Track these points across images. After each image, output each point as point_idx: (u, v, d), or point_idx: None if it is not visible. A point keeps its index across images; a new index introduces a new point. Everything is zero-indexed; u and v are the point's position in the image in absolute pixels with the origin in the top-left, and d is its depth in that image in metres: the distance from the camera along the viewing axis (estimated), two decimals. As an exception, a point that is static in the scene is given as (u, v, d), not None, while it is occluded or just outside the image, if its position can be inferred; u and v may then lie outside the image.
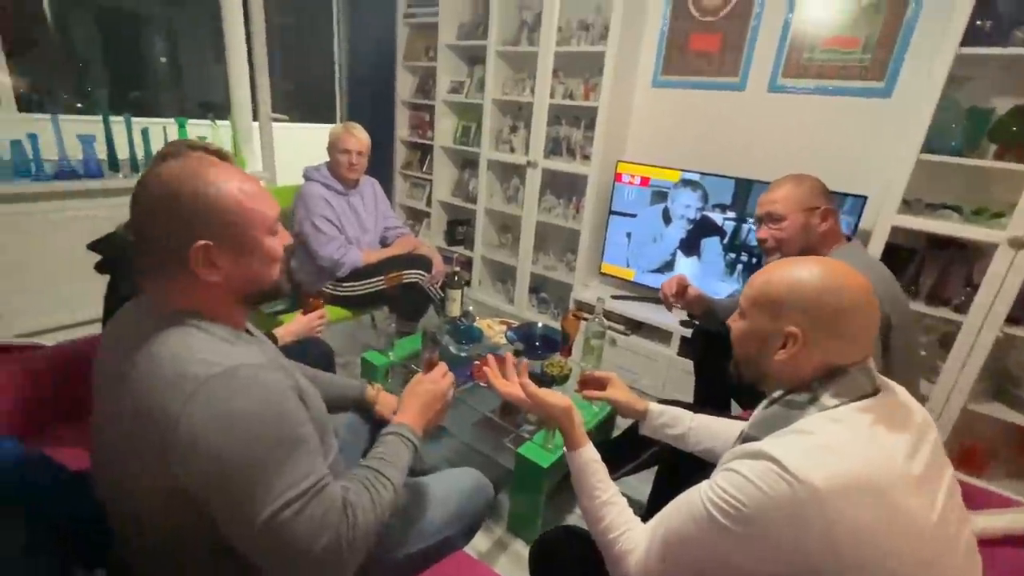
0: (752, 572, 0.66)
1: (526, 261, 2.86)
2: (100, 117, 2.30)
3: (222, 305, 0.73)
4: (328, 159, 2.11)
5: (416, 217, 3.54)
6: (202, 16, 2.72)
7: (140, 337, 0.66)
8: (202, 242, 0.67)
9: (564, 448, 0.93)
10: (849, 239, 1.30)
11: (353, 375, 1.82)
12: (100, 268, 1.17)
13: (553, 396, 0.97)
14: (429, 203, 3.30)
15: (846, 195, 1.88)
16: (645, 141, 2.57)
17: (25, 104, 2.44)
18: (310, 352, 1.42)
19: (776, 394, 0.77)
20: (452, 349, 1.76)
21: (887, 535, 0.59)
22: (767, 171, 1.98)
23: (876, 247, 1.78)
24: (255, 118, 2.91)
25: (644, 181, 2.40)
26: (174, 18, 3.42)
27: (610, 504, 0.82)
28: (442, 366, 0.97)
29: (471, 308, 1.95)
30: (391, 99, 3.29)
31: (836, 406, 0.68)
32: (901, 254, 1.83)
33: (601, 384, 1.16)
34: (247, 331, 0.82)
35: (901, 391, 0.75)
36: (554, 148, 2.68)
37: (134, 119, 2.39)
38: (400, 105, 3.31)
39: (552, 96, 2.55)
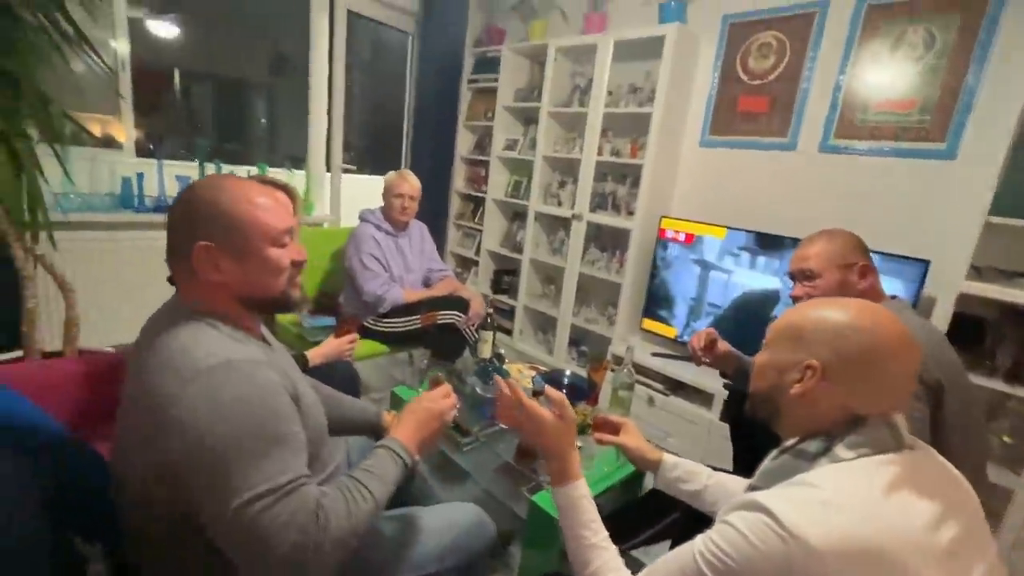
0: None
1: (567, 312, 2.85)
2: (196, 163, 2.63)
3: (231, 307, 0.79)
4: (383, 203, 2.27)
5: (465, 265, 3.66)
6: (299, 84, 3.18)
7: (161, 329, 0.73)
8: (203, 243, 0.74)
9: (551, 482, 0.85)
10: (893, 298, 1.20)
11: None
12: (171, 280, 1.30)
13: (550, 413, 0.88)
14: (478, 252, 3.41)
15: (906, 259, 1.76)
16: (691, 198, 2.56)
17: (141, 150, 2.85)
18: (337, 374, 1.47)
19: (788, 443, 0.71)
20: (478, 389, 1.76)
21: None
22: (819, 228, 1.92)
23: (942, 315, 1.64)
24: (328, 169, 3.21)
25: (688, 238, 2.37)
26: (277, 85, 3.95)
27: (599, 548, 0.76)
28: (445, 388, 0.96)
29: (502, 351, 1.95)
30: (451, 155, 3.52)
31: (852, 459, 0.62)
32: (972, 325, 1.66)
33: (615, 429, 1.11)
34: (264, 339, 0.87)
35: (935, 454, 0.67)
36: (600, 203, 2.73)
37: (226, 165, 2.72)
38: (459, 160, 3.53)
39: (600, 154, 2.63)
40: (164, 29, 3.27)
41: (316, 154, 3.18)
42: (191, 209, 0.76)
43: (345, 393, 1.24)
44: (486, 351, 1.93)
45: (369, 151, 4.26)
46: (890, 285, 1.79)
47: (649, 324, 2.54)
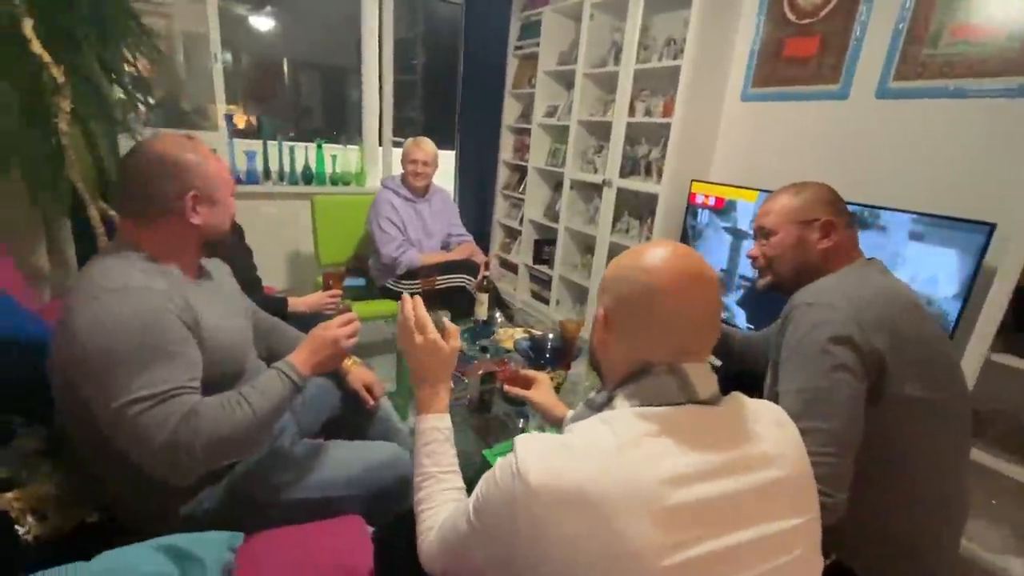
0: (486, 573, 0.58)
1: (597, 282, 2.76)
2: (261, 141, 2.96)
3: (180, 245, 0.93)
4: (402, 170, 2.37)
5: (511, 235, 3.68)
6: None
7: (96, 258, 0.87)
8: (193, 192, 0.90)
9: (418, 408, 0.84)
10: (870, 260, 1.01)
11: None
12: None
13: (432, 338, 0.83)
14: (522, 222, 3.42)
15: (966, 222, 1.45)
16: (733, 159, 2.32)
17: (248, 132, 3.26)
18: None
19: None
20: (465, 348, 1.81)
21: (598, 558, 0.48)
22: (873, 191, 1.66)
23: (1002, 291, 1.34)
24: (380, 143, 3.40)
25: (719, 202, 2.16)
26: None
27: (431, 478, 0.76)
28: (346, 316, 1.01)
29: (498, 315, 1.97)
30: (498, 124, 3.53)
31: (625, 409, 0.57)
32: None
33: (527, 383, 1.10)
34: (200, 273, 1.01)
35: (746, 413, 0.59)
36: (632, 168, 2.58)
37: (292, 143, 3.04)
38: (505, 130, 3.53)
39: (632, 114, 2.48)
40: (265, 23, 3.68)
41: (370, 129, 3.38)
42: (173, 166, 0.89)
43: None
44: (482, 312, 1.96)
45: (427, 124, 4.44)
46: (942, 256, 1.50)
47: (678, 297, 2.38)
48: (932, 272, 1.54)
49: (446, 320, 0.91)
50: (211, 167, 0.93)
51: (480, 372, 1.37)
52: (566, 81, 3.08)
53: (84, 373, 0.78)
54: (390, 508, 1.09)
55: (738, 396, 0.61)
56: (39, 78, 1.59)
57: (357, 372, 1.32)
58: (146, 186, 0.89)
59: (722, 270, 2.19)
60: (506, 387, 1.10)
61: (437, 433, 0.81)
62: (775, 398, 0.91)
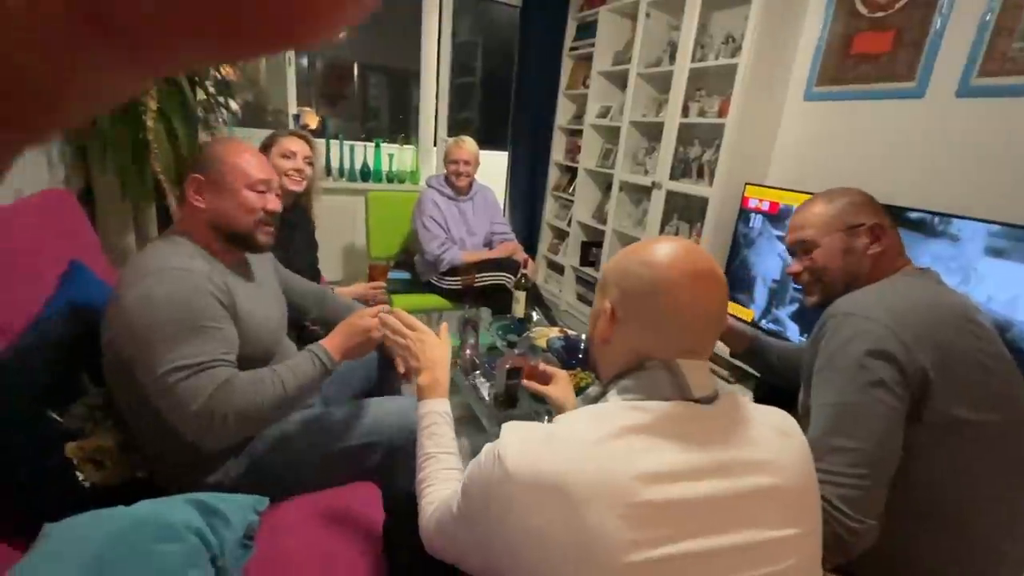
0: (470, 557, 0.60)
1: (643, 287, 2.70)
2: (324, 140, 3.14)
3: (205, 233, 1.01)
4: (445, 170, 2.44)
5: (560, 236, 3.67)
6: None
7: (149, 242, 0.97)
8: (197, 175, 0.97)
9: (419, 395, 0.88)
10: (924, 270, 0.93)
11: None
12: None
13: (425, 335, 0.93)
14: (570, 223, 3.40)
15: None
16: (791, 162, 2.19)
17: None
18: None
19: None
20: (498, 343, 1.83)
21: (568, 547, 0.48)
22: (946, 198, 1.55)
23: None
24: (435, 143, 3.51)
25: (773, 207, 2.05)
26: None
27: (432, 458, 0.78)
28: (374, 309, 1.05)
29: (535, 314, 1.98)
30: (551, 125, 3.53)
31: (616, 402, 0.57)
32: None
33: (547, 379, 1.10)
34: (242, 264, 1.08)
35: (749, 414, 0.57)
36: (684, 170, 2.50)
37: (353, 142, 3.21)
38: (557, 131, 3.52)
39: (686, 115, 2.40)
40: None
41: (425, 129, 3.49)
42: (202, 153, 1.00)
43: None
44: (519, 310, 1.98)
45: (483, 125, 4.52)
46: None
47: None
48: (1013, 292, 1.39)
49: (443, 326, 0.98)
50: (232, 160, 0.98)
51: (507, 366, 1.39)
52: (620, 81, 3.03)
53: (131, 345, 0.87)
54: (407, 462, 1.12)
55: (736, 398, 0.59)
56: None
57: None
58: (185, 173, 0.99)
59: (774, 280, 2.07)
60: (526, 383, 1.11)
61: (437, 416, 0.84)
62: (808, 412, 0.86)
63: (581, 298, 3.38)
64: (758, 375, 1.39)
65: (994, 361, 0.80)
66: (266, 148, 1.61)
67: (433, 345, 0.92)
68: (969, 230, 1.46)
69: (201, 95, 2.31)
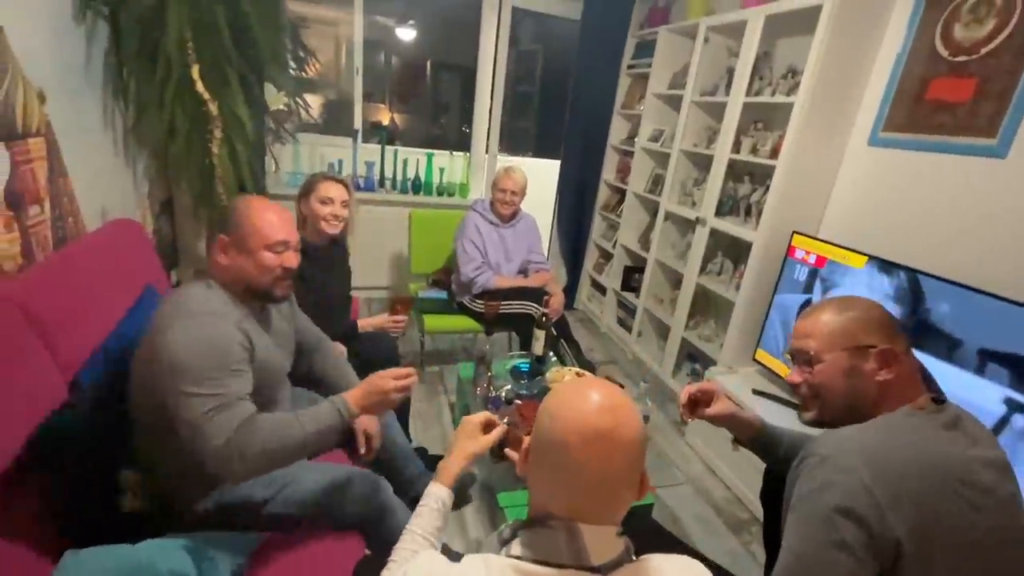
0: None
1: (679, 324, 2.61)
2: (379, 147, 3.27)
3: (232, 284, 1.10)
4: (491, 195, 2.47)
5: (605, 256, 3.61)
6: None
7: (183, 283, 1.08)
8: (223, 236, 1.08)
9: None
10: (940, 402, 0.83)
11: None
12: None
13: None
14: (615, 245, 3.33)
15: None
16: (849, 214, 2.01)
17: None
18: (382, 343, 1.79)
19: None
20: (504, 391, 1.83)
21: None
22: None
23: None
24: (487, 150, 3.55)
25: (820, 261, 1.90)
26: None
27: (410, 533, 0.82)
28: (402, 371, 1.08)
29: (552, 356, 1.98)
30: (603, 143, 3.46)
31: (517, 557, 0.58)
32: None
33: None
34: (260, 310, 1.17)
35: None
36: (732, 207, 2.37)
37: (408, 149, 3.33)
38: (610, 149, 3.44)
39: (737, 150, 2.27)
40: (408, 33, 4.06)
41: (478, 142, 3.54)
42: (230, 212, 1.10)
43: (385, 361, 1.52)
44: (538, 348, 1.99)
45: (539, 134, 4.50)
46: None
47: (763, 356, 2.16)
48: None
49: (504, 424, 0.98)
50: (253, 222, 1.07)
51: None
52: (676, 104, 2.90)
53: (166, 381, 0.94)
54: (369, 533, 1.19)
55: (639, 566, 0.58)
56: (200, 111, 1.95)
57: (364, 419, 1.30)
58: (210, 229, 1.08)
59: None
60: (507, 451, 1.12)
61: (432, 500, 0.87)
62: None
63: (621, 322, 3.32)
64: (766, 464, 1.32)
65: (989, 536, 0.72)
66: (307, 192, 1.71)
67: (465, 435, 0.93)
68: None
69: (277, 103, 2.52)
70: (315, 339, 1.45)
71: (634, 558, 0.60)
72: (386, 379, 1.06)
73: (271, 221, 1.10)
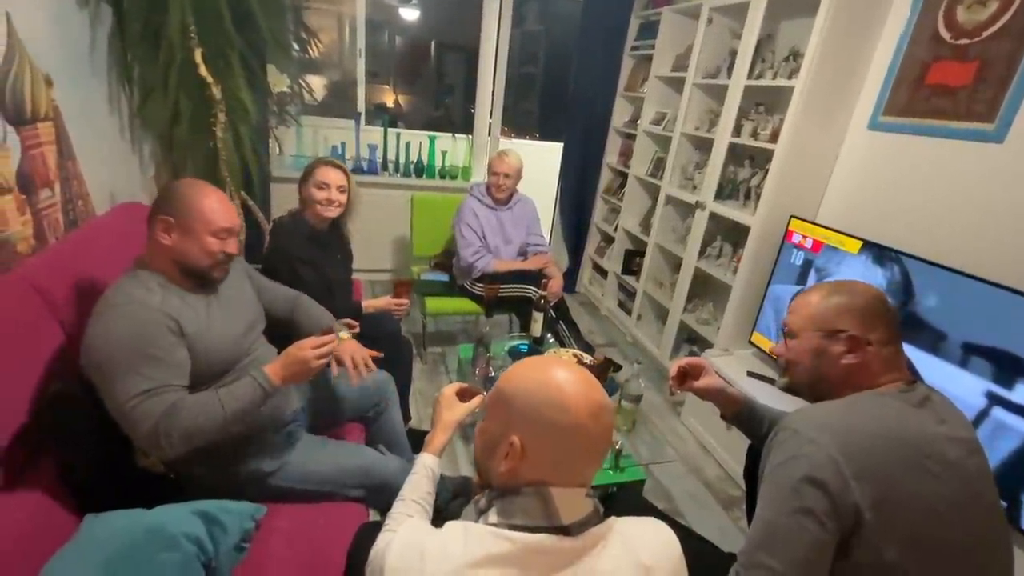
0: None
1: (678, 307, 2.64)
2: (382, 129, 3.28)
3: (168, 265, 1.10)
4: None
5: (607, 240, 3.62)
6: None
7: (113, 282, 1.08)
8: (167, 217, 1.07)
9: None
10: (912, 383, 0.86)
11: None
12: None
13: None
14: (617, 229, 3.34)
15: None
16: (848, 198, 2.02)
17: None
18: (386, 324, 1.84)
19: None
20: (507, 366, 1.90)
21: None
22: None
23: None
24: (489, 133, 3.55)
25: (816, 246, 1.92)
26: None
27: (402, 500, 0.86)
28: (322, 339, 1.11)
29: (550, 337, 2.02)
30: (606, 125, 3.44)
31: (495, 524, 0.62)
32: None
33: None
34: (199, 287, 1.16)
35: (614, 546, 0.61)
36: (732, 191, 2.38)
37: (410, 131, 3.34)
38: (612, 132, 3.43)
39: (737, 135, 2.27)
40: (411, 13, 4.02)
41: (481, 124, 3.54)
42: (172, 194, 1.10)
43: (389, 346, 1.57)
44: (536, 330, 2.03)
45: (541, 116, 4.48)
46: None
47: (758, 338, 2.19)
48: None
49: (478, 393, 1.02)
50: (198, 206, 1.07)
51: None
52: (679, 86, 2.89)
53: (96, 374, 0.97)
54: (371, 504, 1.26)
55: (608, 526, 0.62)
56: (203, 95, 1.98)
57: (348, 344, 1.34)
58: (153, 206, 1.10)
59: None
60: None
61: (422, 468, 0.91)
62: None
63: (622, 305, 3.35)
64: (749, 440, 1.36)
65: (950, 508, 0.75)
66: (306, 176, 1.74)
67: (443, 407, 0.98)
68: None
69: (280, 86, 2.54)
70: (288, 298, 1.49)
71: (603, 519, 0.64)
72: (304, 348, 1.09)
73: (216, 208, 1.10)
